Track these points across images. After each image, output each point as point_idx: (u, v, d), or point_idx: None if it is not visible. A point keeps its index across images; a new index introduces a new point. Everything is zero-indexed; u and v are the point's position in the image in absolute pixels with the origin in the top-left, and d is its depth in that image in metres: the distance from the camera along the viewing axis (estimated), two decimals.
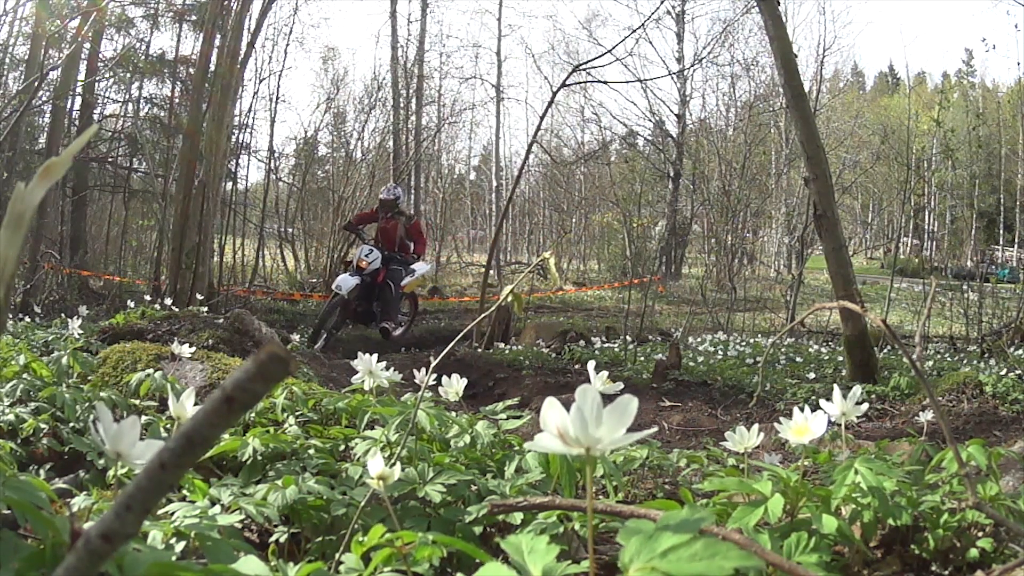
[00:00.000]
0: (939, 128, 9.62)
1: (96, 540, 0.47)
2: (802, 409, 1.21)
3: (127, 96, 14.16)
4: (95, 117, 13.34)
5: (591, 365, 1.36)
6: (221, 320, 3.53)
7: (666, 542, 0.56)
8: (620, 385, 1.27)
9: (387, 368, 1.69)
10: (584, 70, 10.81)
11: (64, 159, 0.58)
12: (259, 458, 1.43)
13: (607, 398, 0.63)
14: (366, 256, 8.04)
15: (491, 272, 11.58)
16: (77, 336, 2.53)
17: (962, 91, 28.20)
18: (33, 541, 0.83)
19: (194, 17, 12.42)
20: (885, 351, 5.86)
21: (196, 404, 1.18)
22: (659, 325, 10.49)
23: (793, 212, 19.85)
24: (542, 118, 9.98)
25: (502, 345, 7.04)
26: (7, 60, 11.59)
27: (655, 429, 0.82)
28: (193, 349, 2.33)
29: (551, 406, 0.62)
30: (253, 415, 1.77)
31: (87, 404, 1.72)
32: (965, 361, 5.80)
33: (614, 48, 10.47)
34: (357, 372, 1.66)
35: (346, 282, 7.74)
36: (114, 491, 1.09)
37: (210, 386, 2.23)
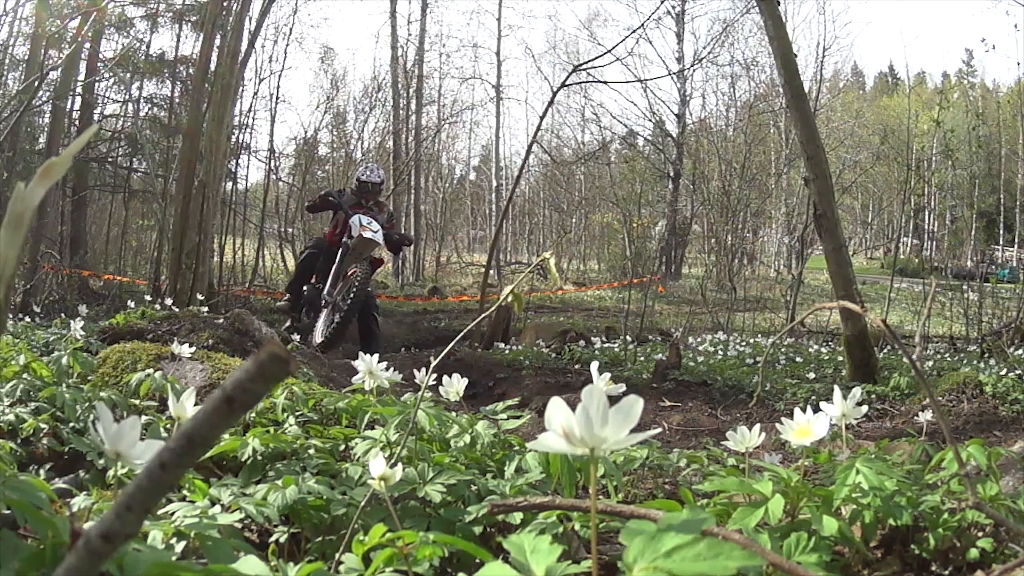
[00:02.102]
0: (939, 128, 9.62)
1: (96, 540, 0.47)
2: (803, 409, 1.21)
3: (127, 96, 14.16)
4: (95, 117, 13.35)
5: (594, 366, 1.36)
6: (221, 320, 3.53)
7: (670, 542, 0.56)
8: (622, 387, 1.27)
9: (387, 368, 1.69)
10: (584, 70, 10.82)
11: (64, 159, 0.58)
12: (259, 458, 1.43)
13: (611, 399, 0.63)
14: (369, 225, 6.24)
15: (491, 272, 11.57)
16: (79, 337, 2.53)
17: (962, 91, 28.20)
18: (33, 541, 0.83)
19: (194, 17, 12.42)
20: (885, 351, 5.86)
21: (196, 404, 1.18)
22: (659, 325, 10.49)
23: (793, 212, 19.87)
24: (542, 118, 9.99)
25: (502, 345, 7.04)
26: (7, 60, 11.59)
27: (659, 430, 0.82)
28: (193, 349, 2.33)
29: (556, 406, 0.62)
30: (253, 415, 1.77)
31: (87, 404, 1.72)
32: (965, 361, 5.80)
33: (614, 48, 10.50)
34: (357, 372, 1.66)
35: (375, 228, 6.16)
36: (114, 491, 1.09)
37: (210, 386, 2.23)
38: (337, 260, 6.41)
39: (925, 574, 1.17)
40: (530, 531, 1.09)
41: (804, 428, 1.17)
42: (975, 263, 17.24)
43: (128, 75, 13.34)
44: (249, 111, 15.76)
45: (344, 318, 5.98)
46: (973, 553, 1.13)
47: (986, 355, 5.87)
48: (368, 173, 6.94)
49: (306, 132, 19.44)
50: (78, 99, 12.90)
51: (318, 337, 6.29)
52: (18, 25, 11.39)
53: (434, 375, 1.36)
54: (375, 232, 6.25)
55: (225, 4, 7.61)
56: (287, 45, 22.94)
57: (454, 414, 1.65)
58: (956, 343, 7.43)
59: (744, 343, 7.13)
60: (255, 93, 16.08)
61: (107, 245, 14.24)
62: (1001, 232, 25.71)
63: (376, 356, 1.67)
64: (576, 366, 5.45)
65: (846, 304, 1.30)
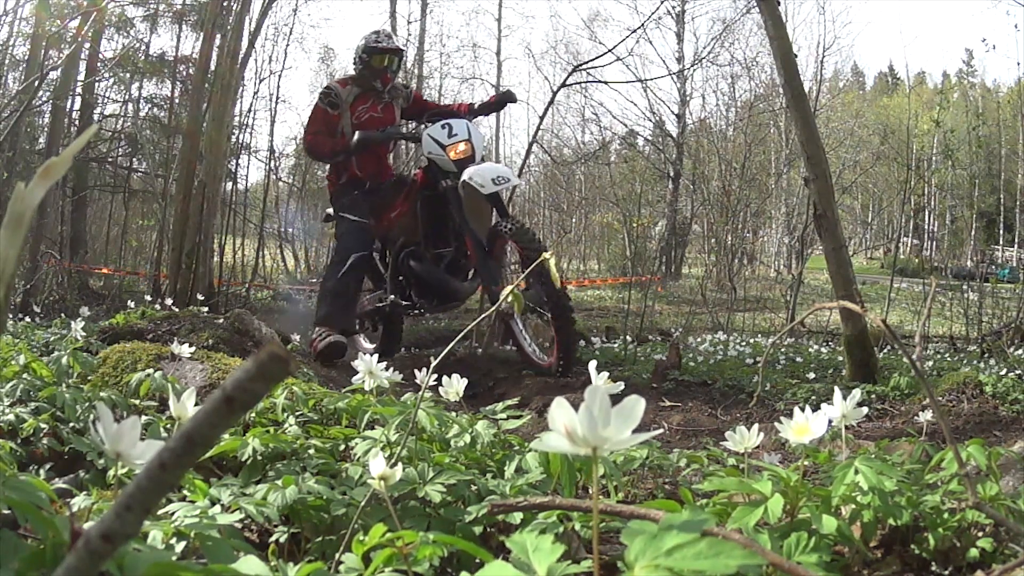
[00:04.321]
0: (939, 128, 9.62)
1: (96, 540, 0.47)
2: (803, 409, 1.21)
3: (127, 96, 14.18)
4: (95, 117, 13.36)
5: (592, 365, 1.36)
6: (221, 320, 3.53)
7: (671, 541, 0.56)
8: (621, 385, 1.27)
9: (387, 368, 1.70)
10: (584, 70, 10.82)
11: (64, 159, 0.58)
12: (259, 458, 1.43)
13: (612, 399, 0.63)
14: (459, 133, 4.31)
15: None
16: (79, 337, 2.53)
17: (962, 91, 28.22)
18: (33, 541, 0.83)
19: (194, 17, 12.42)
20: (885, 351, 5.86)
21: (196, 404, 1.17)
22: (659, 325, 10.49)
23: (793, 212, 19.90)
24: (542, 118, 9.97)
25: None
26: (7, 60, 11.60)
27: (661, 431, 0.83)
28: (193, 349, 2.33)
29: (560, 406, 0.62)
30: (253, 415, 1.77)
31: (87, 404, 1.72)
32: (965, 361, 5.80)
33: (614, 48, 10.49)
34: (357, 372, 1.66)
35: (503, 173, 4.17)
36: (114, 491, 1.09)
37: (210, 386, 2.23)
38: (471, 233, 4.25)
39: (925, 574, 1.17)
40: (531, 531, 1.09)
41: (803, 426, 1.17)
42: (975, 263, 17.24)
43: (128, 75, 13.35)
44: (249, 111, 15.76)
45: (569, 325, 4.13)
46: (973, 553, 1.13)
47: (986, 355, 5.87)
48: (385, 39, 4.74)
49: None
50: (78, 99, 12.92)
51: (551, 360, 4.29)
52: (18, 25, 11.39)
53: (434, 375, 1.36)
54: (479, 143, 4.31)
55: (225, 4, 7.61)
56: (287, 45, 22.97)
57: (454, 414, 1.65)
58: (956, 343, 7.43)
59: (744, 343, 7.12)
60: (255, 93, 16.09)
61: (107, 245, 14.26)
62: (1001, 232, 25.74)
63: (376, 356, 1.67)
64: (576, 366, 5.44)
65: (846, 304, 1.30)
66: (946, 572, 1.16)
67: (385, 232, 4.91)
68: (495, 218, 4.41)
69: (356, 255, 4.57)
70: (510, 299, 1.38)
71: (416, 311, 5.00)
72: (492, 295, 4.26)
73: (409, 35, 21.55)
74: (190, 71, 12.03)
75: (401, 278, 4.86)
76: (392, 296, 4.88)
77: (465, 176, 4.19)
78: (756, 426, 1.35)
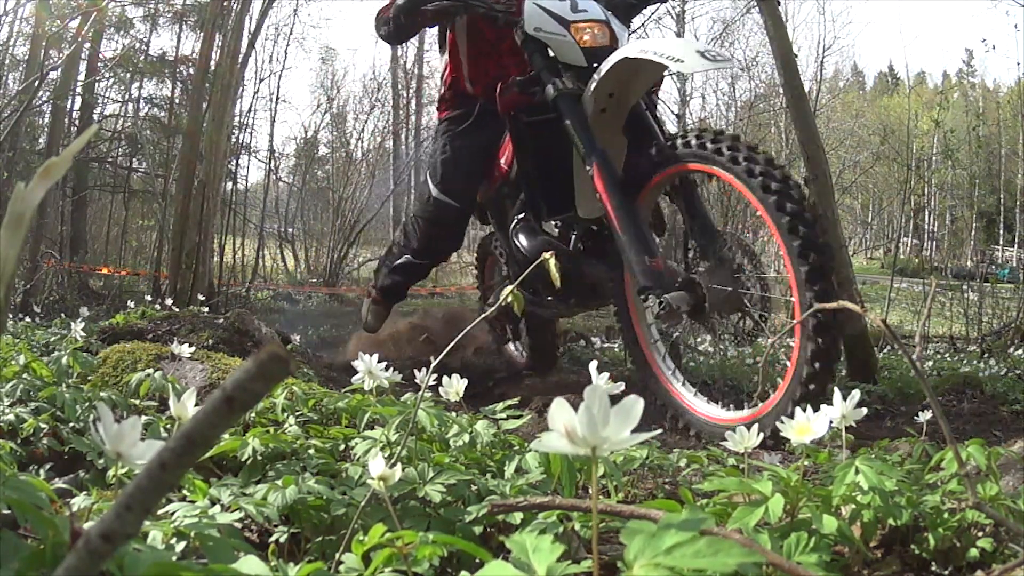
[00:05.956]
0: (939, 128, 9.63)
1: (96, 540, 0.47)
2: (803, 409, 1.21)
3: (127, 96, 14.19)
4: (95, 117, 13.37)
5: (593, 365, 1.36)
6: (221, 320, 3.53)
7: (670, 540, 0.56)
8: (622, 385, 1.27)
9: (387, 368, 1.69)
10: None
11: (64, 159, 0.58)
12: (259, 458, 1.43)
13: (612, 399, 0.62)
14: (594, 15, 2.57)
15: None
16: (79, 337, 2.53)
17: (962, 91, 28.25)
18: (33, 541, 0.83)
19: (194, 17, 12.43)
20: (885, 351, 5.86)
21: (196, 404, 1.17)
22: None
23: None
24: None
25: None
26: (7, 60, 11.60)
27: (659, 431, 0.83)
28: (193, 349, 2.33)
29: (560, 406, 0.62)
30: (253, 415, 1.77)
31: (87, 404, 1.72)
32: (965, 361, 5.79)
33: None
34: (357, 372, 1.66)
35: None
36: (114, 491, 1.09)
37: (210, 386, 2.23)
38: (604, 179, 2.48)
39: (925, 574, 1.17)
40: (531, 531, 1.09)
41: (804, 426, 1.17)
42: (975, 263, 17.25)
43: (128, 75, 13.36)
44: (249, 111, 15.78)
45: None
46: (973, 553, 1.13)
47: (986, 355, 5.87)
48: None
49: (306, 132, 19.47)
50: (78, 99, 12.92)
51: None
52: (18, 25, 11.40)
53: (434, 375, 1.36)
54: (623, 37, 2.72)
55: (225, 4, 7.62)
56: (287, 45, 22.97)
57: (454, 414, 1.65)
58: (956, 343, 7.43)
59: (744, 343, 7.11)
60: (255, 93, 16.10)
61: (107, 245, 14.26)
62: (1001, 232, 25.74)
63: (376, 356, 1.66)
64: (576, 366, 5.43)
65: (846, 304, 1.30)
66: (946, 572, 1.16)
67: (498, 188, 3.28)
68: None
69: (407, 259, 3.53)
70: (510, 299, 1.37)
71: (545, 310, 3.37)
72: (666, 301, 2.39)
73: None
74: (190, 71, 12.05)
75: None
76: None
77: (629, 53, 2.33)
78: (755, 426, 1.35)
